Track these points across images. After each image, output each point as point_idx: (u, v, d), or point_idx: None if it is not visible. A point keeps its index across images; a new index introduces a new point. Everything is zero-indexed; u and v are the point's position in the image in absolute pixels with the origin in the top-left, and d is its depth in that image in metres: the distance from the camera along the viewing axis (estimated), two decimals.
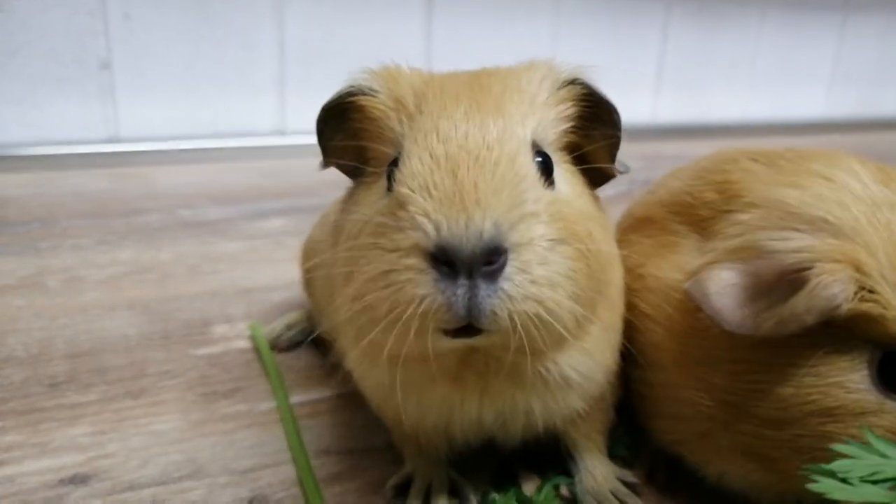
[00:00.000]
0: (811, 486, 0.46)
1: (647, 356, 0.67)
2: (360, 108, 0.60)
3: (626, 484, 0.71)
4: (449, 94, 0.56)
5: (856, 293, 0.51)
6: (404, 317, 0.49)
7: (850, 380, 0.52)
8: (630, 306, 0.68)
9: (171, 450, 0.77)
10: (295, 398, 0.87)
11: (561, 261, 0.51)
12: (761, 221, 0.60)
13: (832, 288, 0.50)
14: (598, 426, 0.72)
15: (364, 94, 0.60)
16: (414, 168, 0.51)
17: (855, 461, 0.45)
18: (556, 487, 0.72)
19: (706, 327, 0.58)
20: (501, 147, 0.52)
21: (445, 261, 0.48)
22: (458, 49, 2.16)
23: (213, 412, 0.84)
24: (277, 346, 0.97)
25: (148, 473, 0.73)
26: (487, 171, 0.50)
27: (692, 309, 0.60)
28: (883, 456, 0.46)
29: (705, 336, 0.60)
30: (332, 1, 1.96)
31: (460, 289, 0.48)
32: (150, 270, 1.22)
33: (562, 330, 0.52)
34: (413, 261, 0.49)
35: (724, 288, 0.55)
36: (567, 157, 0.60)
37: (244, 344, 0.99)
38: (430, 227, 0.49)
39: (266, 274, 1.23)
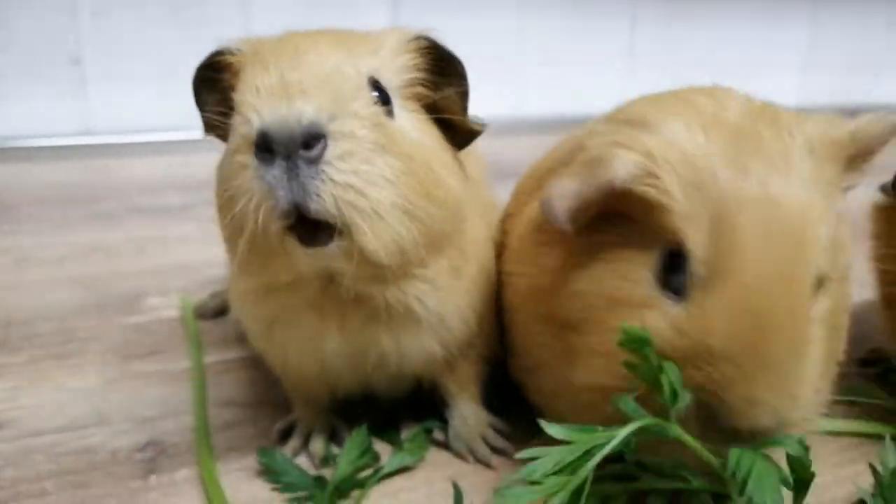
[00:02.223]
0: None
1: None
2: (228, 66, 0.65)
3: (496, 431, 0.75)
4: (298, 36, 0.61)
5: (641, 177, 0.53)
6: (240, 214, 0.54)
7: (636, 273, 0.54)
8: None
9: (81, 403, 0.82)
10: (209, 358, 0.92)
11: (386, 168, 0.55)
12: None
13: (612, 164, 0.53)
14: (471, 375, 0.76)
15: (231, 54, 0.65)
16: (248, 80, 0.56)
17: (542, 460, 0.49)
18: (429, 431, 0.76)
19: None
20: (333, 62, 0.56)
21: (267, 148, 0.52)
22: None
23: (129, 371, 0.89)
24: (202, 314, 1.02)
25: (55, 423, 0.78)
26: (313, 72, 0.54)
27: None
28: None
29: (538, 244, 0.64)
30: None
31: (277, 169, 0.52)
32: (98, 251, 1.27)
33: (393, 237, 0.56)
34: (243, 157, 0.54)
35: (563, 192, 0.55)
36: (418, 108, 0.64)
37: (174, 314, 1.05)
38: (254, 117, 0.53)
39: (211, 252, 1.27)
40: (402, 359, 0.68)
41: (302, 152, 0.52)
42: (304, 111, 0.52)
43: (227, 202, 0.56)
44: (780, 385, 0.50)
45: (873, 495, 0.52)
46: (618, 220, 0.56)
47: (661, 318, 0.52)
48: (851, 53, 2.93)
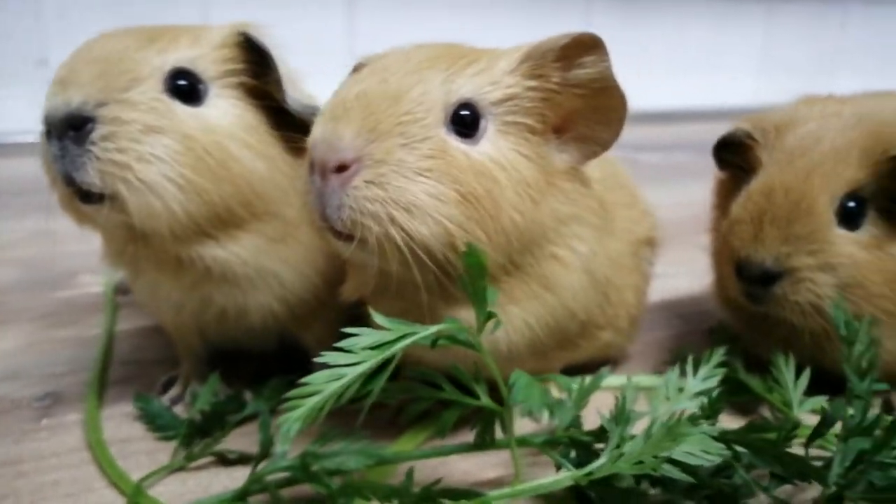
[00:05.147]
0: (319, 360, 0.58)
1: None
2: None
3: None
4: (110, 33, 0.71)
5: None
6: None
7: None
8: None
9: None
10: (122, 326, 1.03)
11: (159, 147, 0.65)
12: None
13: None
14: (329, 334, 0.86)
15: None
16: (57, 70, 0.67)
17: (361, 337, 0.58)
18: (292, 382, 0.86)
19: None
20: (117, 57, 0.66)
21: (49, 129, 0.64)
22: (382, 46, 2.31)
23: (47, 336, 1.00)
24: (123, 289, 1.13)
25: None
26: (94, 66, 0.65)
27: None
28: (385, 329, 0.58)
29: None
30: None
31: (53, 147, 0.64)
32: (43, 236, 1.38)
33: (165, 207, 0.66)
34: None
35: None
36: (242, 95, 0.73)
37: (100, 289, 1.15)
38: (44, 103, 0.64)
39: None
40: (244, 314, 0.78)
41: (70, 133, 0.63)
42: (71, 99, 0.63)
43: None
44: None
45: (610, 420, 0.62)
46: None
47: None
48: (806, 54, 3.02)
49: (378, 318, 0.58)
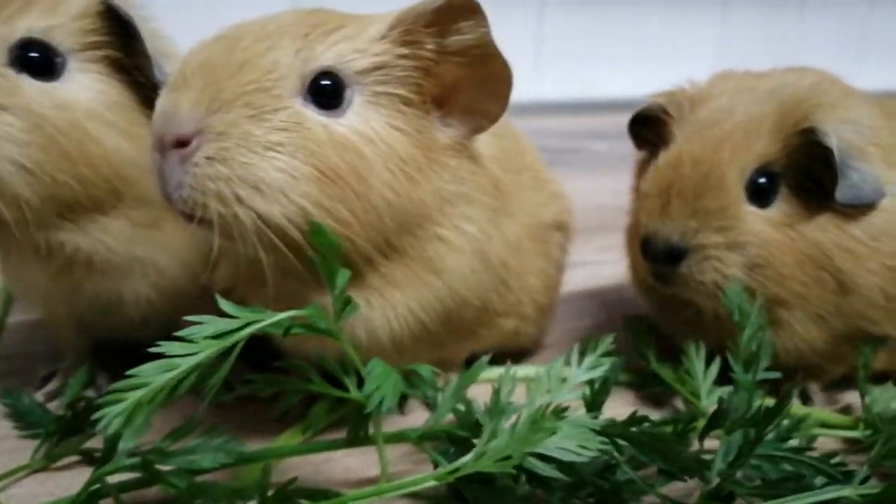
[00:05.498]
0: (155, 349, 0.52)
1: None
2: None
3: (246, 380, 0.80)
4: None
5: None
6: None
7: None
8: None
9: None
10: (15, 318, 0.97)
11: (2, 127, 0.60)
12: None
13: None
14: None
15: None
16: None
17: (203, 326, 0.52)
18: None
19: None
20: None
21: None
22: None
23: None
24: None
25: None
26: None
27: None
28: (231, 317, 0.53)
29: None
30: None
31: None
32: None
33: (9, 190, 0.60)
34: None
35: None
36: (106, 69, 0.67)
37: None
38: None
39: None
40: (118, 303, 0.73)
41: None
42: None
43: None
44: None
45: (485, 413, 0.57)
46: None
47: None
48: (764, 44, 3.00)
49: (224, 304, 0.53)
